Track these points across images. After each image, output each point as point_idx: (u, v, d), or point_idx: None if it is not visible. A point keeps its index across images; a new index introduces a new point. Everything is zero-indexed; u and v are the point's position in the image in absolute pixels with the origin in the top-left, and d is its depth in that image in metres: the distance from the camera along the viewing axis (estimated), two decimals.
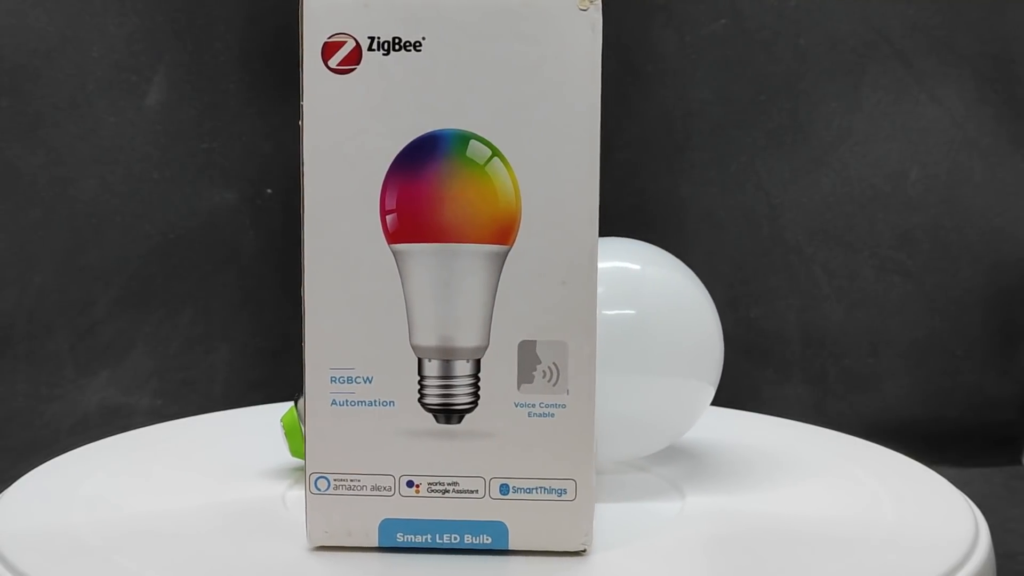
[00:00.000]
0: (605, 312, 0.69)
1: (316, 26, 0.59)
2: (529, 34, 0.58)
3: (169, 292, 1.08)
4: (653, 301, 0.70)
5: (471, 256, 0.59)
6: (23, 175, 1.05)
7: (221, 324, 1.10)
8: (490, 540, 0.61)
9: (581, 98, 0.58)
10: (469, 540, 0.61)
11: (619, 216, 1.08)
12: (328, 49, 0.59)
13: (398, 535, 0.61)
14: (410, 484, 0.61)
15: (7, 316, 1.05)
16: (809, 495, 0.69)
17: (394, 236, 0.59)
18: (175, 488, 0.69)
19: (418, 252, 0.59)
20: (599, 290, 0.69)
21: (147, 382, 1.07)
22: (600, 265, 0.70)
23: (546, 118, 0.58)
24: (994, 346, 1.08)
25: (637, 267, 0.72)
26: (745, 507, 0.67)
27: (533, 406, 0.60)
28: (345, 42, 0.59)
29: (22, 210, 1.05)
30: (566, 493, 0.60)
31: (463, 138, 0.59)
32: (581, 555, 0.60)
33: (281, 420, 0.71)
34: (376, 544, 0.61)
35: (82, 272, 1.06)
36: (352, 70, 0.59)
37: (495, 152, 0.59)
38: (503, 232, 0.59)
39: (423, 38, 0.59)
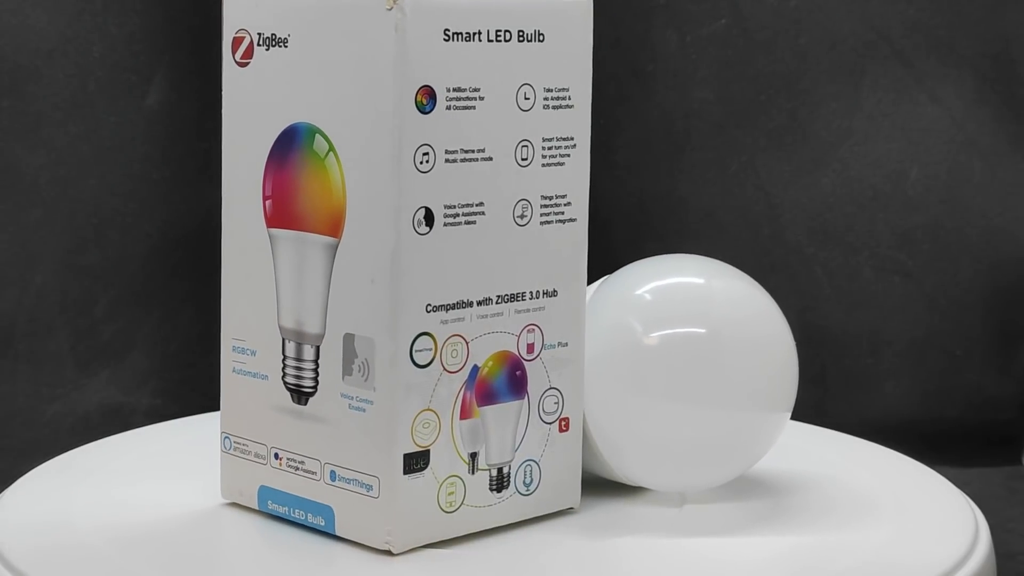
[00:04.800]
0: (667, 332, 0.65)
1: (228, 22, 0.64)
2: (353, 32, 0.59)
3: (169, 292, 1.08)
4: (725, 318, 0.65)
5: (313, 245, 0.61)
6: (24, 175, 1.05)
7: (220, 324, 1.09)
8: (323, 522, 0.62)
9: (385, 99, 0.59)
10: (310, 519, 0.63)
11: (619, 216, 1.08)
12: (234, 44, 0.64)
13: (268, 502, 0.64)
14: (276, 456, 0.64)
15: (7, 316, 1.05)
16: (808, 495, 0.69)
17: (268, 221, 0.63)
18: (175, 487, 0.69)
19: (281, 237, 0.62)
20: (648, 297, 0.66)
21: (147, 382, 1.07)
22: (661, 282, 0.67)
23: (362, 116, 0.60)
24: (994, 346, 1.09)
25: (701, 280, 0.67)
26: (743, 507, 0.67)
27: (352, 399, 0.61)
28: (244, 37, 0.63)
29: (23, 210, 1.05)
30: (372, 490, 0.60)
31: (311, 132, 0.61)
32: (392, 556, 0.60)
33: None
34: (257, 507, 0.65)
35: (82, 272, 1.06)
36: (248, 63, 0.63)
37: (331, 147, 0.60)
38: (334, 225, 0.61)
39: (289, 35, 0.62)
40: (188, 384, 1.08)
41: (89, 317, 1.06)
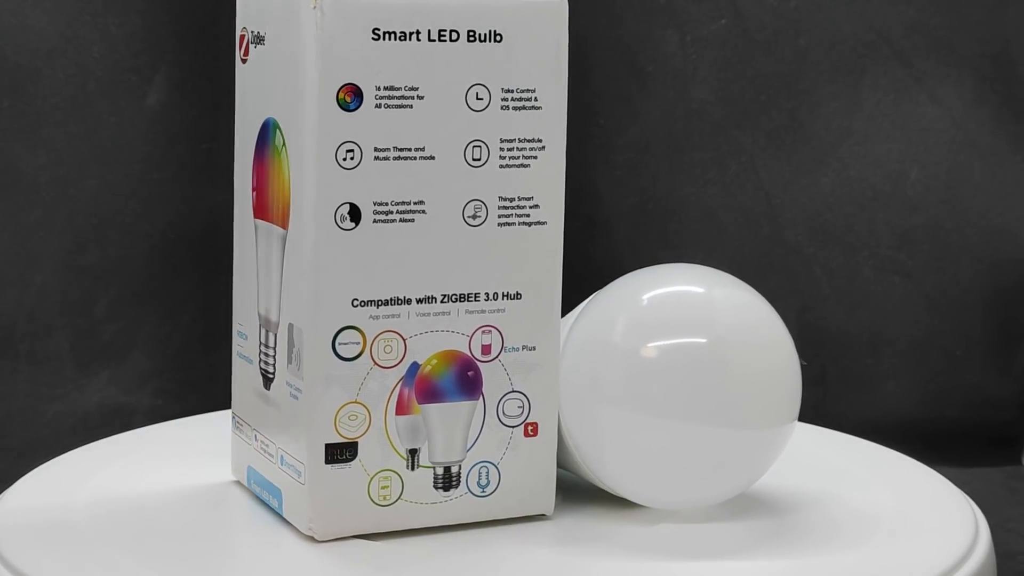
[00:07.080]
0: (666, 342, 0.63)
1: (238, 21, 0.66)
2: (295, 31, 0.61)
3: (169, 292, 1.08)
4: (727, 328, 0.63)
5: (274, 236, 0.63)
6: (24, 175, 1.05)
7: (221, 324, 1.09)
8: (277, 504, 0.64)
9: (309, 96, 0.60)
10: (270, 500, 0.65)
11: (619, 216, 1.08)
12: (240, 41, 0.66)
13: (252, 482, 0.66)
14: (256, 438, 0.66)
15: (7, 316, 1.05)
16: (808, 495, 0.69)
17: (253, 212, 0.66)
18: (175, 488, 0.69)
19: (259, 228, 0.65)
20: (643, 301, 0.65)
21: (147, 382, 1.07)
22: (660, 291, 0.65)
23: (299, 112, 0.61)
24: (994, 346, 1.09)
25: (701, 290, 0.65)
26: (737, 512, 0.67)
27: (292, 387, 0.62)
28: (245, 35, 0.66)
29: (23, 210, 1.05)
30: (301, 476, 0.61)
31: (275, 127, 0.63)
32: (316, 542, 0.62)
33: None
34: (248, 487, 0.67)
35: (82, 272, 1.06)
36: (247, 60, 0.66)
37: (284, 142, 0.62)
38: (284, 217, 0.62)
39: (266, 33, 0.64)
40: (189, 384, 1.08)
41: (89, 317, 1.06)
